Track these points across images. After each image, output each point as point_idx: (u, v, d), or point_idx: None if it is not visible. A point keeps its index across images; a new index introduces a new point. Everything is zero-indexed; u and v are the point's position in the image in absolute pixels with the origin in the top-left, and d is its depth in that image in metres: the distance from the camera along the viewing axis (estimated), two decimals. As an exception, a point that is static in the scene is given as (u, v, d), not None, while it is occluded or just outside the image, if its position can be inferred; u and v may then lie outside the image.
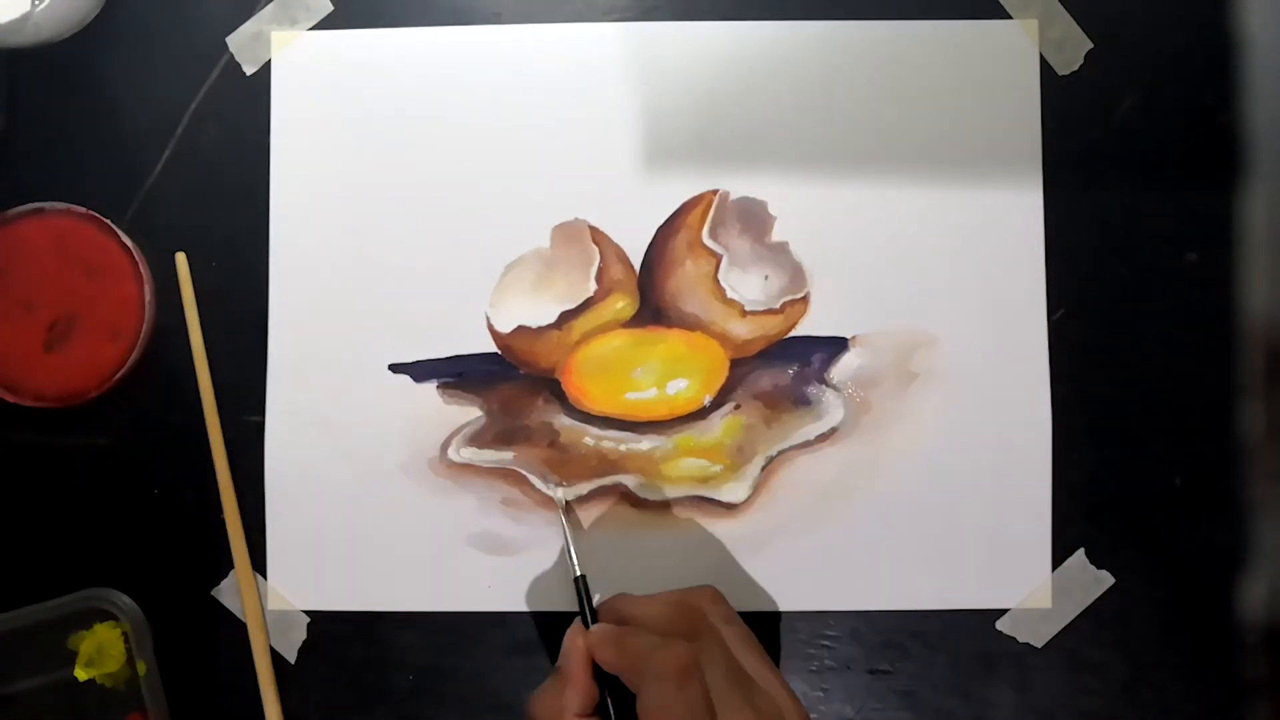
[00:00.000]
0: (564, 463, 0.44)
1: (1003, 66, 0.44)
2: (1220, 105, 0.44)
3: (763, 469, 0.44)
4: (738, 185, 0.44)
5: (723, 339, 0.44)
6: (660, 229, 0.44)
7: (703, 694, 0.35)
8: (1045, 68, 0.44)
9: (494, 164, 0.45)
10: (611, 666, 0.37)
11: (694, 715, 0.35)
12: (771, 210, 0.44)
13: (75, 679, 0.42)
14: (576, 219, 0.44)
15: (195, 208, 0.45)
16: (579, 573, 0.41)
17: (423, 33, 0.45)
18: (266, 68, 0.45)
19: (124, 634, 0.42)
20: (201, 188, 0.45)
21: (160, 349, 0.44)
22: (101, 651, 0.42)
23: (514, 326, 0.44)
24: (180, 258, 0.45)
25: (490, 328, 0.44)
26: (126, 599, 0.43)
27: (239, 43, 0.45)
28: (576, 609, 0.40)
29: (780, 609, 0.44)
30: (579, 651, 0.38)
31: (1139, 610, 0.43)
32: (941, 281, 0.44)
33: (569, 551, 0.42)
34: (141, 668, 0.42)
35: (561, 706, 0.38)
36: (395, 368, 0.44)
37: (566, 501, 0.44)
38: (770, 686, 0.38)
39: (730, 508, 0.44)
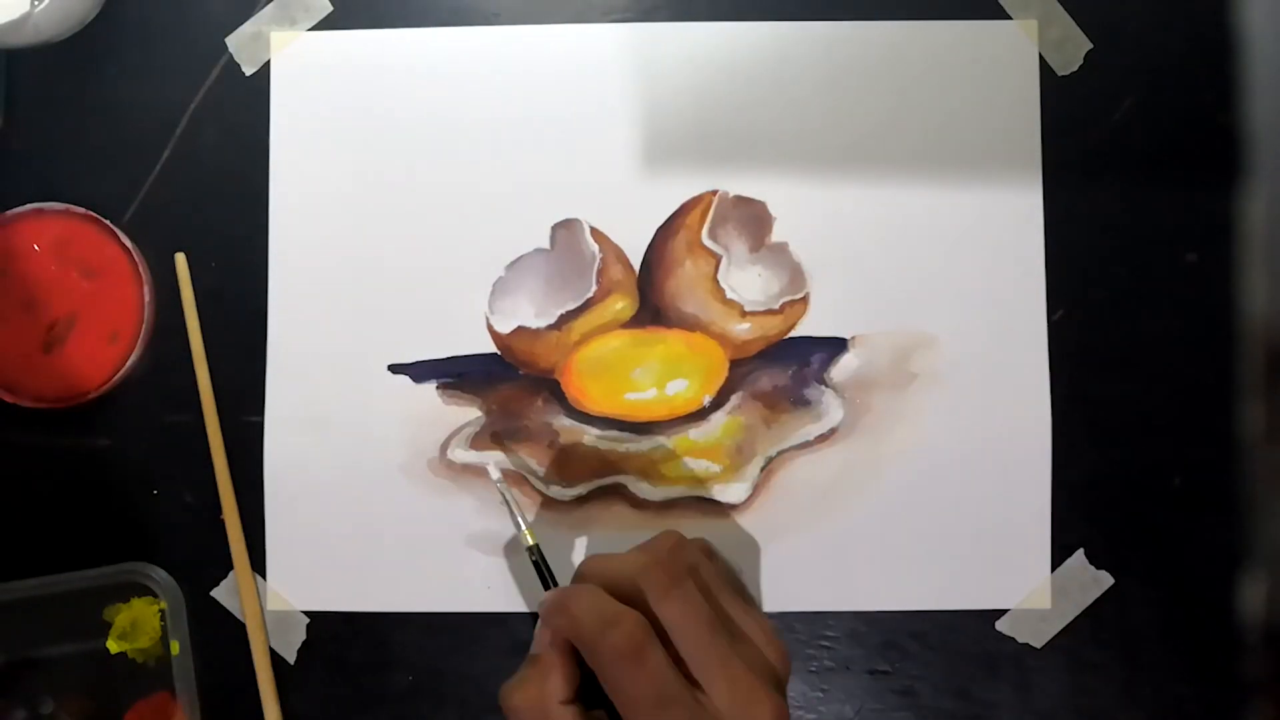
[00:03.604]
0: (564, 463, 0.44)
1: (1003, 66, 0.44)
2: (1220, 105, 0.44)
3: (762, 469, 0.44)
4: (737, 185, 0.44)
5: (722, 339, 0.44)
6: (660, 229, 0.44)
7: (664, 665, 0.33)
8: (1045, 68, 0.44)
9: (493, 164, 0.45)
10: (570, 638, 0.34)
11: (661, 690, 0.33)
12: (771, 210, 0.44)
13: (106, 650, 0.42)
14: (576, 219, 0.44)
15: (195, 208, 0.45)
16: (531, 542, 0.41)
17: (422, 33, 0.45)
18: (266, 68, 0.45)
19: (160, 611, 0.42)
20: (201, 188, 0.45)
21: (160, 349, 0.44)
22: (136, 626, 0.42)
23: (514, 327, 0.44)
24: (180, 258, 0.45)
25: (490, 328, 0.44)
26: (167, 576, 0.43)
27: (238, 43, 0.45)
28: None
29: (780, 609, 0.43)
30: (552, 631, 0.35)
31: (1138, 610, 0.43)
32: (941, 281, 0.44)
33: (517, 523, 0.41)
34: (175, 648, 0.42)
35: (544, 694, 0.34)
36: (395, 368, 0.44)
37: (501, 472, 0.43)
38: (753, 632, 0.35)
39: (730, 508, 0.44)
